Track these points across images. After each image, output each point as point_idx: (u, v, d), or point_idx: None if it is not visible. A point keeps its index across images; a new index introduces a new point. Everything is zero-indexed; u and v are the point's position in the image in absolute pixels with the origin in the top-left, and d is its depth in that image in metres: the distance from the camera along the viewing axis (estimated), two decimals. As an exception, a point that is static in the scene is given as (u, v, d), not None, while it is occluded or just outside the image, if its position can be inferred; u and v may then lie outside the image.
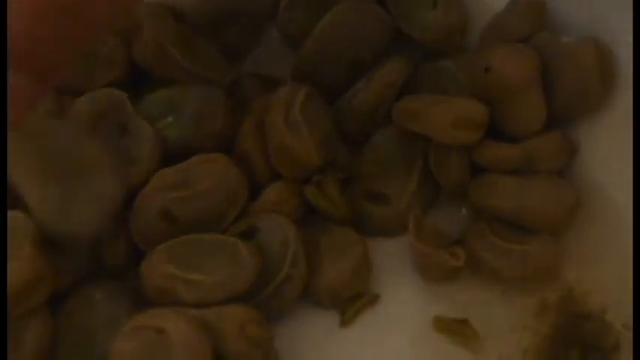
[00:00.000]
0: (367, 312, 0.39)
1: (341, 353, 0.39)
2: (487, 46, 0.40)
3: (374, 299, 0.40)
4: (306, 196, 0.40)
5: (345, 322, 0.39)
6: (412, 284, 0.40)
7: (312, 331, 0.39)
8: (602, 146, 0.40)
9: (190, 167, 0.39)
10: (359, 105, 0.41)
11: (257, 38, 0.45)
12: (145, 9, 0.43)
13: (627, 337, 0.37)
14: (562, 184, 0.39)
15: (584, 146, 0.40)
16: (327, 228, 0.40)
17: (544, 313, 0.38)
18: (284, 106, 0.40)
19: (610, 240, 0.39)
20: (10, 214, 0.38)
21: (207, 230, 0.39)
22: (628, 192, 0.38)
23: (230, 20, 0.44)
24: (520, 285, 0.39)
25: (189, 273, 0.37)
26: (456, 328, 0.38)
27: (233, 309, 0.37)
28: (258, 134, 0.40)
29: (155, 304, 0.38)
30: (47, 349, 0.38)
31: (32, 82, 0.31)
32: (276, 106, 0.40)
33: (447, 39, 0.42)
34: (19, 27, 0.30)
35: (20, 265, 0.37)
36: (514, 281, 0.38)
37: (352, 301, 0.39)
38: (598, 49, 0.38)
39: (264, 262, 0.38)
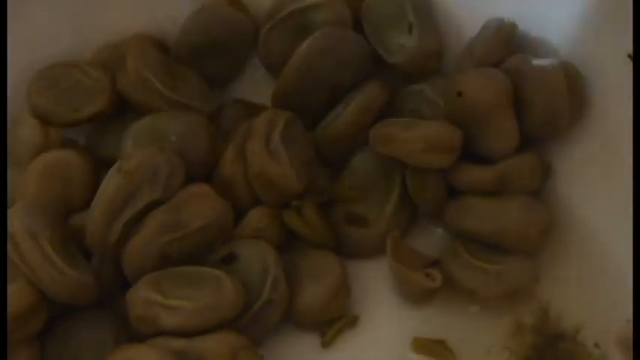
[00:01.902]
0: (347, 333, 0.40)
1: (323, 375, 0.39)
2: (460, 71, 0.41)
3: (353, 321, 0.40)
4: (285, 221, 0.41)
5: (325, 344, 0.40)
6: (391, 305, 0.40)
7: (294, 353, 0.40)
8: (576, 167, 0.40)
9: (181, 205, 0.39)
10: (337, 130, 0.42)
11: (240, 67, 0.46)
12: (128, 41, 0.44)
13: (599, 356, 0.37)
14: (536, 204, 0.39)
15: (558, 167, 0.41)
16: (307, 252, 0.41)
17: (520, 334, 0.39)
18: (264, 133, 0.41)
19: (584, 260, 0.39)
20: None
21: (196, 260, 0.40)
22: (601, 213, 0.39)
23: (213, 50, 0.44)
24: (496, 305, 0.39)
25: (171, 299, 0.38)
26: (433, 349, 0.39)
27: (222, 336, 0.38)
28: (239, 161, 0.41)
29: (139, 332, 0.38)
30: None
31: None
32: (256, 133, 0.41)
33: (423, 64, 0.43)
34: None
35: (19, 289, 0.37)
36: (490, 301, 0.39)
37: (332, 323, 0.40)
38: (567, 72, 0.39)
39: (245, 287, 0.39)
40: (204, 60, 0.45)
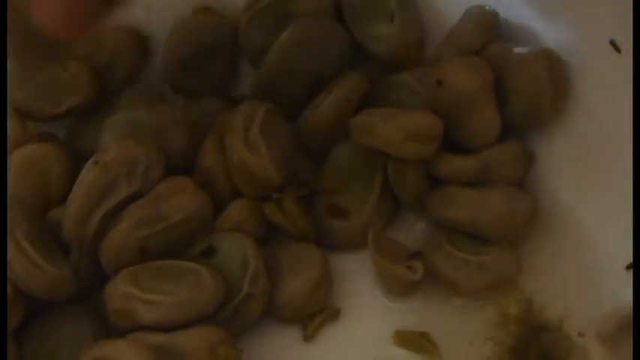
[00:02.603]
0: (329, 327, 0.40)
1: (304, 368, 0.39)
2: (441, 59, 0.40)
3: (335, 314, 0.40)
4: (266, 213, 0.40)
5: (307, 338, 0.40)
6: (373, 298, 0.40)
7: (276, 347, 0.40)
8: (559, 156, 0.40)
9: (160, 199, 0.39)
10: (318, 120, 0.41)
11: (234, 69, 0.45)
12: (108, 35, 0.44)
13: (581, 345, 0.37)
14: (519, 194, 0.39)
15: (541, 156, 0.40)
16: (288, 244, 0.41)
17: (504, 325, 0.39)
18: (243, 125, 0.40)
19: (567, 250, 0.39)
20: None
21: (175, 253, 0.39)
22: (585, 202, 0.39)
23: (202, 59, 0.44)
24: (479, 296, 0.39)
25: (149, 294, 0.38)
26: (416, 341, 0.39)
27: (201, 330, 0.37)
28: (219, 153, 0.41)
29: (117, 326, 0.38)
30: (12, 372, 0.38)
31: None
32: (235, 126, 0.40)
33: (404, 53, 0.42)
34: None
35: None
36: (472, 292, 0.39)
37: (313, 316, 0.40)
38: (549, 60, 0.39)
39: (225, 280, 0.38)
40: (197, 70, 0.44)
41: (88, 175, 0.38)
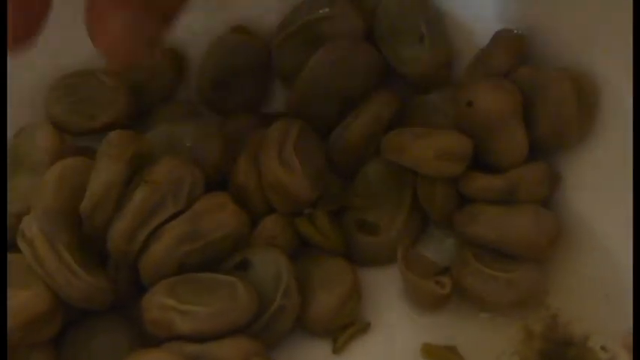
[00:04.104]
0: (358, 340, 0.41)
1: (333, 381, 0.40)
2: (470, 81, 0.41)
3: (365, 327, 0.41)
4: (298, 228, 0.41)
5: (336, 350, 0.40)
6: (402, 312, 0.41)
7: (306, 359, 0.40)
8: (586, 177, 0.41)
9: (200, 216, 0.40)
10: (349, 138, 0.43)
11: (264, 89, 0.46)
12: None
13: (605, 357, 0.38)
14: (545, 213, 0.40)
15: (568, 177, 0.41)
16: (319, 259, 0.42)
17: (529, 340, 0.39)
18: (277, 143, 0.41)
19: (591, 268, 0.40)
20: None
21: (210, 267, 0.40)
22: (609, 221, 0.40)
23: (234, 79, 0.45)
24: (506, 312, 0.40)
25: (185, 305, 0.38)
26: (443, 355, 0.40)
27: (236, 341, 0.38)
28: (252, 169, 0.42)
29: (153, 336, 0.39)
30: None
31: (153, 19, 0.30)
32: (269, 143, 0.41)
33: (433, 73, 0.43)
34: None
35: (35, 294, 0.38)
36: (499, 308, 0.39)
37: (343, 329, 0.41)
38: (575, 80, 0.39)
39: (258, 294, 0.39)
40: (230, 89, 0.45)
41: (137, 192, 0.39)
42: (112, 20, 0.29)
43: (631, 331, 0.34)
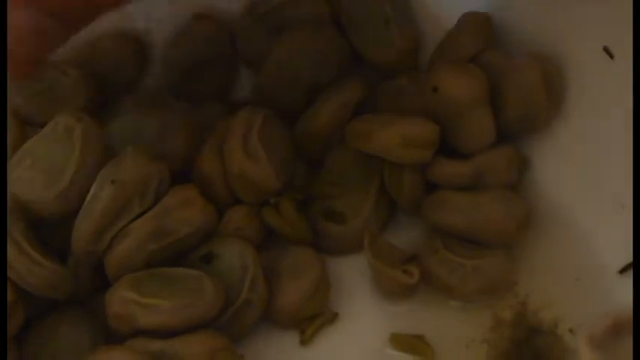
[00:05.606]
0: (326, 331, 0.40)
1: (301, 372, 0.39)
2: (436, 65, 0.41)
3: (333, 318, 0.40)
4: (264, 218, 0.41)
5: (304, 342, 0.40)
6: (370, 302, 0.40)
7: (273, 351, 0.40)
8: (553, 159, 0.40)
9: (167, 213, 0.39)
10: (314, 126, 0.42)
11: (231, 79, 0.46)
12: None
13: (573, 342, 0.37)
14: (513, 198, 0.39)
15: (535, 160, 0.41)
16: (287, 249, 0.41)
17: (499, 328, 0.39)
18: (242, 132, 0.40)
19: (561, 254, 0.39)
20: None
21: (174, 260, 0.40)
22: (579, 205, 0.39)
23: (204, 64, 0.45)
24: (474, 299, 0.39)
25: (148, 298, 0.38)
26: (412, 344, 0.39)
27: (201, 336, 0.38)
28: (217, 159, 0.41)
29: (117, 331, 0.38)
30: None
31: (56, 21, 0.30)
32: (234, 132, 0.41)
33: (400, 59, 0.43)
34: None
35: None
36: (468, 296, 0.39)
37: (311, 320, 0.40)
38: (544, 66, 0.39)
39: (224, 286, 0.39)
40: (197, 78, 0.45)
41: (104, 192, 0.38)
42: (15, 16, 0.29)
43: (594, 324, 0.34)
